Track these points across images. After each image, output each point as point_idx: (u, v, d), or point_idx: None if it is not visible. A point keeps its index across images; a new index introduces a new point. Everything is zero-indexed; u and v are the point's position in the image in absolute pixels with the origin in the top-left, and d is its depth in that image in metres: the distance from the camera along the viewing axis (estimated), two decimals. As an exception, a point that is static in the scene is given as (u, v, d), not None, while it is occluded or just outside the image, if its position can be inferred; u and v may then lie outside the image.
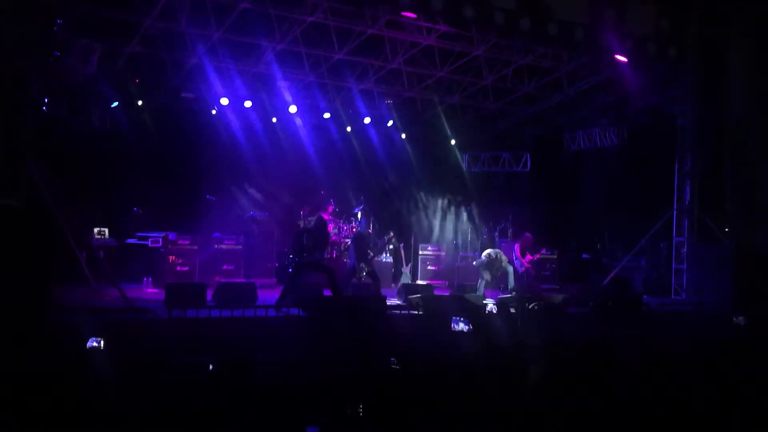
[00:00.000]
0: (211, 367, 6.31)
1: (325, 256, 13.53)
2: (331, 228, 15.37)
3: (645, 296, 13.44)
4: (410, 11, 11.41)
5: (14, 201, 8.70)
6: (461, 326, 9.61)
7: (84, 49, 12.59)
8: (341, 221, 15.56)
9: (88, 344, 6.82)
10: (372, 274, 12.03)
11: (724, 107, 14.04)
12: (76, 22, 11.86)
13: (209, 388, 6.53)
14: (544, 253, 14.64)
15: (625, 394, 6.60)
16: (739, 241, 13.58)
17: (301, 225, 14.56)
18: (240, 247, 13.95)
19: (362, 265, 11.94)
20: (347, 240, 14.62)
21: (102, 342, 6.80)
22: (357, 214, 15.35)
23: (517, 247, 14.16)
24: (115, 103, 14.30)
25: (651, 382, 7.05)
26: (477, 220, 17.39)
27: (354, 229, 14.84)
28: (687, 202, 14.60)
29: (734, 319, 11.17)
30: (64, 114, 13.32)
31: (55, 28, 11.64)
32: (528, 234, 14.34)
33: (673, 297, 14.68)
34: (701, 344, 9.14)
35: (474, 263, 14.29)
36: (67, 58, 12.71)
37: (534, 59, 14.09)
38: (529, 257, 14.17)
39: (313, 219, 11.30)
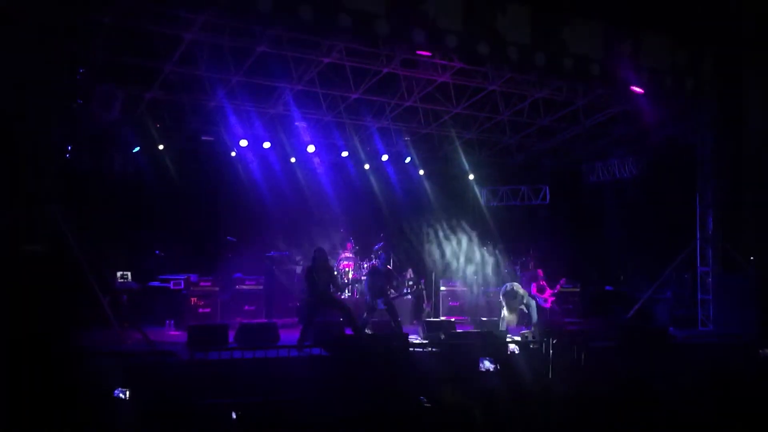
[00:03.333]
0: (234, 415, 6.30)
1: (340, 291, 13.46)
2: (351, 266, 15.39)
3: (671, 328, 13.25)
4: (425, 50, 11.54)
5: (38, 247, 8.80)
6: (487, 365, 9.53)
7: (106, 95, 12.86)
8: (361, 259, 15.56)
9: (115, 394, 6.84)
10: (391, 310, 11.95)
11: (742, 136, 13.97)
12: (98, 69, 12.13)
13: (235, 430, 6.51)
14: (563, 284, 14.49)
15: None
16: (764, 270, 13.38)
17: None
18: (261, 287, 13.98)
19: (377, 300, 11.87)
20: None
21: (128, 392, 6.82)
22: (377, 251, 15.35)
23: (533, 286, 14.05)
24: (137, 148, 14.53)
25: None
26: (497, 254, 17.30)
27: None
28: (710, 232, 14.45)
29: (761, 351, 10.98)
30: (87, 159, 13.54)
31: (78, 76, 11.91)
32: (539, 270, 14.26)
33: (699, 328, 14.45)
34: (727, 378, 8.98)
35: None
36: (90, 105, 12.98)
37: (550, 93, 14.13)
38: (549, 291, 14.06)
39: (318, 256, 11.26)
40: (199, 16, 10.55)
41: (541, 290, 14.09)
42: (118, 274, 12.83)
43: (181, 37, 11.22)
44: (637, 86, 12.50)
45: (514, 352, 10.45)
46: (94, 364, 7.93)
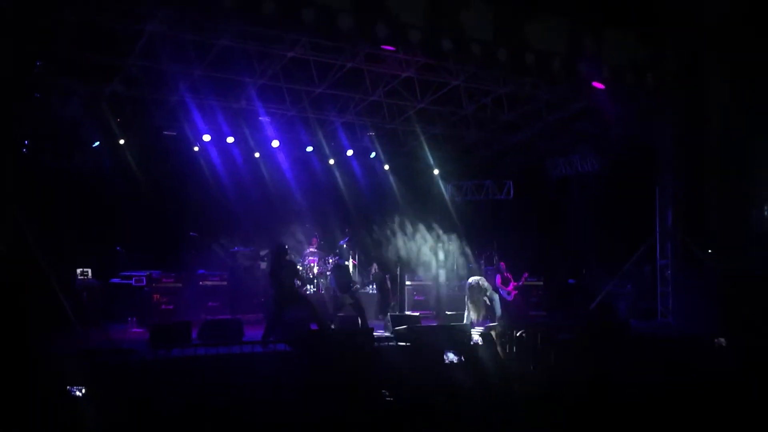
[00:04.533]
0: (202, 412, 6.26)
1: (305, 287, 13.48)
2: (315, 261, 15.35)
3: (632, 320, 13.47)
4: (389, 44, 11.53)
5: (-2, 245, 8.63)
6: (451, 357, 9.58)
7: (65, 89, 12.62)
8: (326, 254, 15.52)
9: (71, 392, 6.74)
10: (357, 305, 11.96)
11: (703, 132, 14.22)
12: (56, 63, 11.89)
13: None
14: (526, 276, 14.63)
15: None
16: (721, 263, 13.67)
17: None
18: (225, 283, 13.89)
19: (344, 295, 11.88)
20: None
21: (84, 390, 6.72)
22: (342, 246, 15.33)
23: (497, 278, 14.18)
24: (97, 143, 14.29)
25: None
26: (462, 249, 17.39)
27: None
28: (670, 226, 14.70)
29: (715, 341, 11.23)
30: (46, 155, 13.28)
31: (36, 70, 11.66)
32: (501, 263, 14.41)
33: (659, 320, 14.71)
34: (685, 367, 9.16)
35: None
36: (49, 100, 12.73)
37: (513, 88, 14.23)
38: (513, 284, 14.19)
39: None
40: (158, 9, 10.40)
41: (505, 282, 14.21)
42: (78, 271, 12.61)
43: (142, 31, 11.07)
44: (599, 82, 12.64)
45: (478, 343, 10.54)
46: (55, 364, 7.81)
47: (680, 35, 13.26)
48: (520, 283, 14.29)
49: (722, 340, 11.60)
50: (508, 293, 14.16)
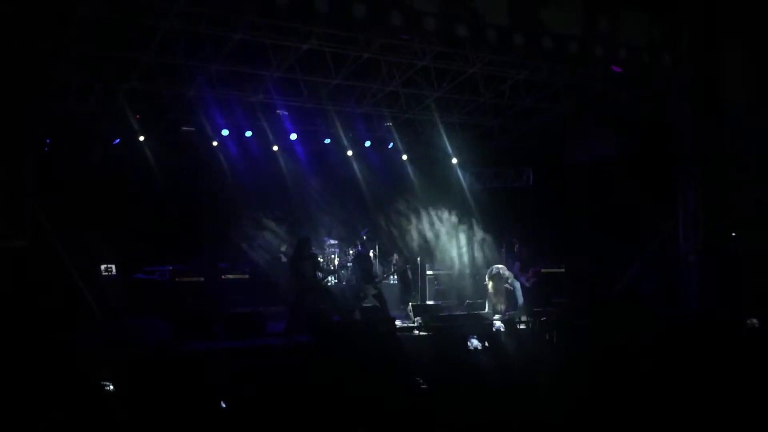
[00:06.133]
0: (223, 404, 6.30)
1: (326, 278, 13.55)
2: (336, 252, 15.40)
3: (655, 305, 13.35)
4: (403, 33, 11.47)
5: (19, 242, 8.73)
6: (475, 343, 9.58)
7: (82, 87, 12.72)
8: (346, 245, 15.55)
9: (101, 387, 6.83)
10: (379, 296, 11.98)
11: (722, 110, 14.03)
12: (73, 60, 11.98)
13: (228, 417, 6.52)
14: (544, 266, 14.57)
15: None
16: (746, 245, 13.49)
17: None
18: (247, 276, 13.96)
19: (366, 285, 11.90)
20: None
21: (107, 384, 6.81)
22: (362, 237, 15.34)
23: (516, 265, 14.13)
24: (117, 140, 14.40)
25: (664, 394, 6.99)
26: (482, 237, 17.33)
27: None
28: (692, 209, 14.52)
29: (747, 321, 11.06)
30: (66, 153, 13.40)
31: (53, 68, 11.77)
32: (523, 248, 14.36)
33: (684, 305, 14.55)
34: (712, 352, 9.06)
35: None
36: (67, 98, 12.85)
37: (530, 73, 14.12)
38: (532, 270, 14.13)
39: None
40: (173, 4, 10.43)
41: (524, 269, 14.16)
42: (103, 266, 12.76)
43: (157, 27, 11.10)
44: (616, 64, 12.51)
45: (500, 330, 10.51)
46: (79, 358, 7.89)
47: (695, 12, 13.05)
48: (539, 269, 14.24)
49: (755, 320, 11.43)
50: (527, 280, 14.11)
